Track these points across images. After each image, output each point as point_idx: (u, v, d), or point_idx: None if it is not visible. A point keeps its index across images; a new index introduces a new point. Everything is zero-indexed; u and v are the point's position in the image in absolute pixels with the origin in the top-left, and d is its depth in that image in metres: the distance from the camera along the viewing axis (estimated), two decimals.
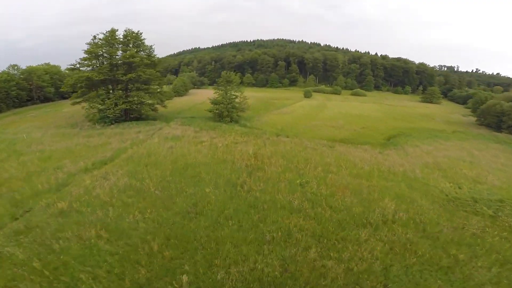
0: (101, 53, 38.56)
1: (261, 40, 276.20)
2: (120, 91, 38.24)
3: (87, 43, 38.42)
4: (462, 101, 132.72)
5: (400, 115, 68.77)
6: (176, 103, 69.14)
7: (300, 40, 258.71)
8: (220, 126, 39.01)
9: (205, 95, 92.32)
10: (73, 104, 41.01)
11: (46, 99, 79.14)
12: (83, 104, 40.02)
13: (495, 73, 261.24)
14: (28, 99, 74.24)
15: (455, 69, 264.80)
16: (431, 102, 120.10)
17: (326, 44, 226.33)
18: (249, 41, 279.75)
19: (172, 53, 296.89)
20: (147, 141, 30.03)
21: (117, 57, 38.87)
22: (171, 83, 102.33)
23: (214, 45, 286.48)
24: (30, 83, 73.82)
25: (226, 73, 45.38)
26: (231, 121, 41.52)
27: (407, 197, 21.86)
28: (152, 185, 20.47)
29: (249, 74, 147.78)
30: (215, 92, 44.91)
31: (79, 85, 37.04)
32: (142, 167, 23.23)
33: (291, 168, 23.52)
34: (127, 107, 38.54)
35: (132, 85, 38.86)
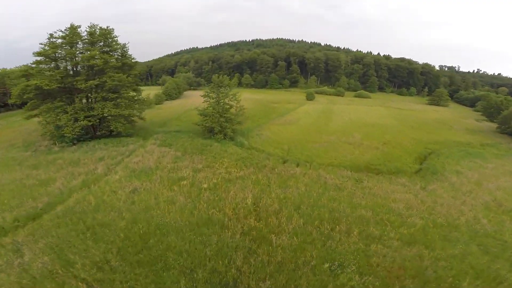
0: (60, 55, 29.46)
1: (260, 39, 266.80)
2: (81, 103, 29.25)
3: (42, 43, 29.32)
4: (469, 103, 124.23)
5: (415, 123, 60.19)
6: (165, 108, 60.16)
7: (300, 39, 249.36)
8: (210, 146, 30.14)
9: (199, 98, 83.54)
10: (27, 118, 32.07)
11: (24, 104, 69.94)
12: (40, 118, 31.08)
13: (496, 73, 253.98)
14: (1, 105, 65.18)
15: (456, 70, 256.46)
16: (438, 105, 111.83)
17: (326, 44, 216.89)
18: (248, 40, 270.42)
19: (170, 53, 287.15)
20: (105, 178, 21.20)
21: (78, 59, 29.61)
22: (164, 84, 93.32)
23: (212, 45, 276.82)
24: (4, 87, 64.61)
25: (218, 77, 36.32)
26: (224, 138, 32.68)
27: (489, 272, 14.20)
28: (84, 274, 11.97)
29: (247, 75, 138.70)
30: (205, 101, 35.98)
31: (25, 96, 28.06)
32: (79, 234, 14.53)
33: (312, 235, 14.78)
34: (91, 123, 29.54)
35: (96, 94, 29.82)
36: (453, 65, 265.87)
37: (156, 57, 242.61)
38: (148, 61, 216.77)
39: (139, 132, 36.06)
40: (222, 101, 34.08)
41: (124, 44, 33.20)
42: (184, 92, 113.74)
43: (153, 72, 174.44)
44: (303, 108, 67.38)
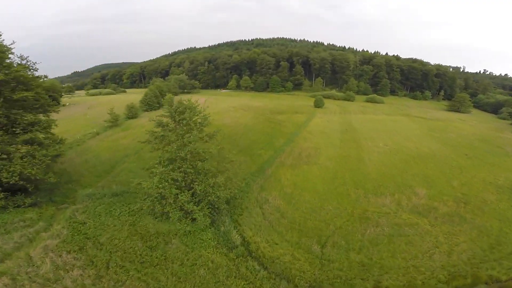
0: None
1: (260, 39, 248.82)
2: None
3: None
4: (491, 109, 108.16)
5: (463, 146, 44.45)
6: (133, 129, 42.91)
7: (302, 39, 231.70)
8: (164, 245, 14.33)
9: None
10: None
11: None
12: None
13: (502, 74, 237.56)
14: None
15: (461, 70, 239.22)
16: (459, 111, 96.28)
17: (330, 43, 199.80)
18: (247, 40, 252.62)
19: (168, 53, 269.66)
20: None
21: None
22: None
23: (210, 45, 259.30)
24: None
25: (174, 102, 19.83)
26: (194, 220, 16.65)
27: None
28: None
29: (246, 77, 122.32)
30: (153, 149, 19.18)
31: None
32: None
33: None
34: None
35: None
36: (458, 66, 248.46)
37: (155, 57, 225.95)
38: (144, 61, 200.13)
39: (59, 190, 20.41)
40: (188, 151, 16.66)
41: (6, 48, 16.77)
42: (175, 97, 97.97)
43: (146, 73, 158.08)
44: (316, 123, 51.53)
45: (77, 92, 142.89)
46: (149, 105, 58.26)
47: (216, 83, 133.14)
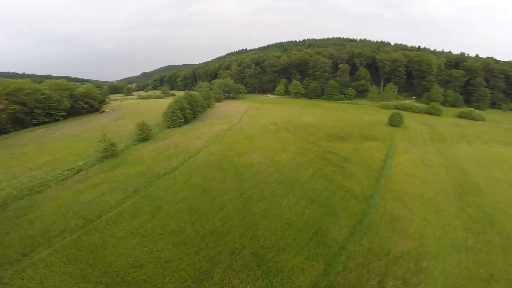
0: None
1: (312, 39, 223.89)
2: None
3: None
4: None
5: None
6: (125, 165, 28.97)
7: (363, 38, 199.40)
8: None
9: (217, 127, 46.23)
10: None
11: None
12: None
13: None
14: None
15: None
16: None
17: (397, 43, 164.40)
18: (297, 40, 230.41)
19: (222, 55, 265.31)
20: None
21: None
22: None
23: (260, 46, 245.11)
24: None
25: None
26: None
27: None
28: None
29: (296, 81, 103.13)
30: None
31: None
32: None
33: None
34: None
35: None
36: None
37: (210, 59, 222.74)
38: (199, 63, 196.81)
39: None
40: None
41: None
42: (217, 104, 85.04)
43: (197, 76, 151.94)
44: (404, 168, 30.96)
45: (135, 93, 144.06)
46: (173, 120, 44.92)
47: (263, 87, 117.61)
